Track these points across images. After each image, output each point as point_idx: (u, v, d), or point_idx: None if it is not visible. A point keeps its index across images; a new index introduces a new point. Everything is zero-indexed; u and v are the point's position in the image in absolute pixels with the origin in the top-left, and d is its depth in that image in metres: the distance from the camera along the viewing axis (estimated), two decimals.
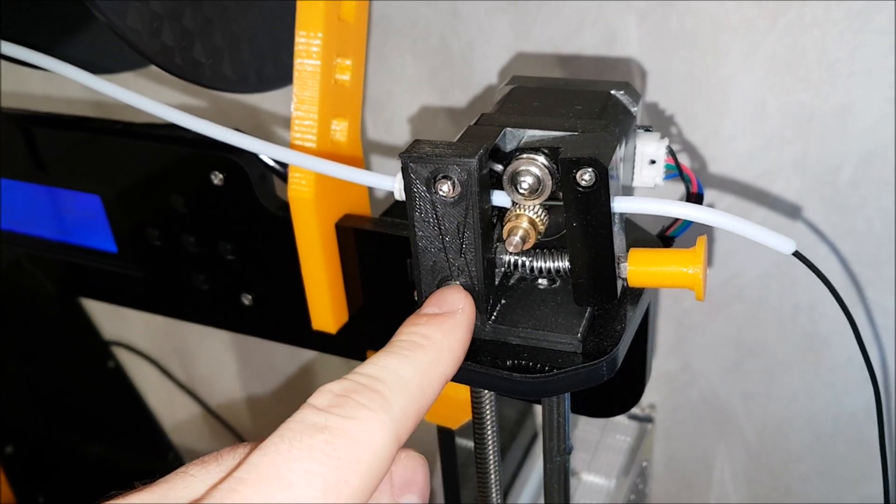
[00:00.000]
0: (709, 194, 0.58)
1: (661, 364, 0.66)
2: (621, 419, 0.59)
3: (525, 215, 0.31)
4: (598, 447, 0.57)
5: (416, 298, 0.32)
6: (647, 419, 0.62)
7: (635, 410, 0.64)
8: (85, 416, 0.77)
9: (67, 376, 0.73)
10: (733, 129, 0.55)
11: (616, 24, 0.54)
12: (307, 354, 0.84)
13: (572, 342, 0.31)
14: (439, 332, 0.28)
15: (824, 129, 0.53)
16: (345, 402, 0.23)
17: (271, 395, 0.92)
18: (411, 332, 0.27)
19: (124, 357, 0.87)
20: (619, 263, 0.31)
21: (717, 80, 0.54)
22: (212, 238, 0.44)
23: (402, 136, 0.66)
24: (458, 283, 0.31)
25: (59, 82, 0.47)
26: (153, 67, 0.38)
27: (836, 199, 0.55)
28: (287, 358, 0.87)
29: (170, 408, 0.95)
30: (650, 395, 0.67)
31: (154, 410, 0.89)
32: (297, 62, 0.37)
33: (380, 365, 0.25)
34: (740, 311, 0.61)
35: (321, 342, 0.45)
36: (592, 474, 0.55)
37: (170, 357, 0.93)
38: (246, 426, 0.95)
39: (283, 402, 0.91)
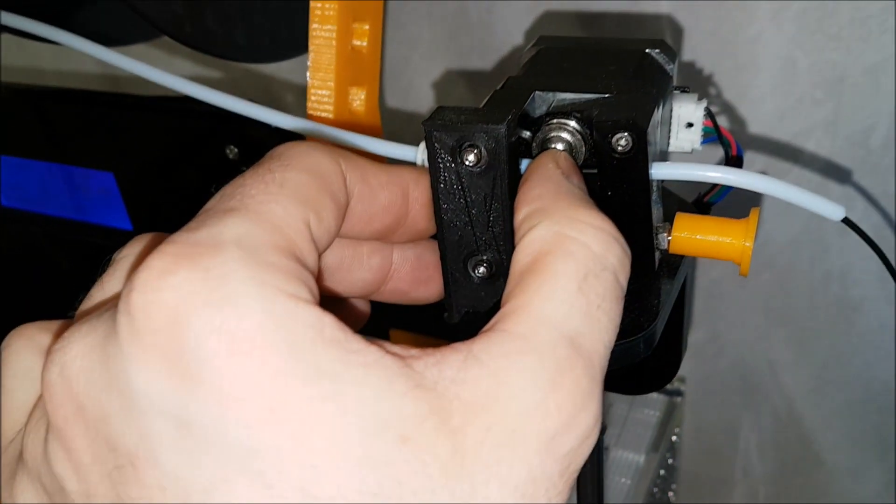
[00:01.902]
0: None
1: (690, 335, 0.65)
2: (650, 393, 0.58)
3: None
4: (627, 422, 0.56)
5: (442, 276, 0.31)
6: (676, 393, 0.60)
7: None
8: None
9: None
10: (762, 90, 0.53)
11: None
12: None
13: None
14: None
15: (856, 89, 0.51)
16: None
17: None
18: None
19: None
20: (657, 234, 0.29)
21: (745, 38, 0.52)
22: None
23: (420, 103, 0.65)
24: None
25: (70, 56, 0.46)
26: (164, 39, 0.36)
27: (868, 161, 0.53)
28: None
29: None
30: (680, 368, 0.66)
31: None
32: (313, 27, 0.36)
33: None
34: (770, 280, 0.60)
35: None
36: (621, 449, 0.54)
37: None
38: None
39: None
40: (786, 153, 0.54)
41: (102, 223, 0.48)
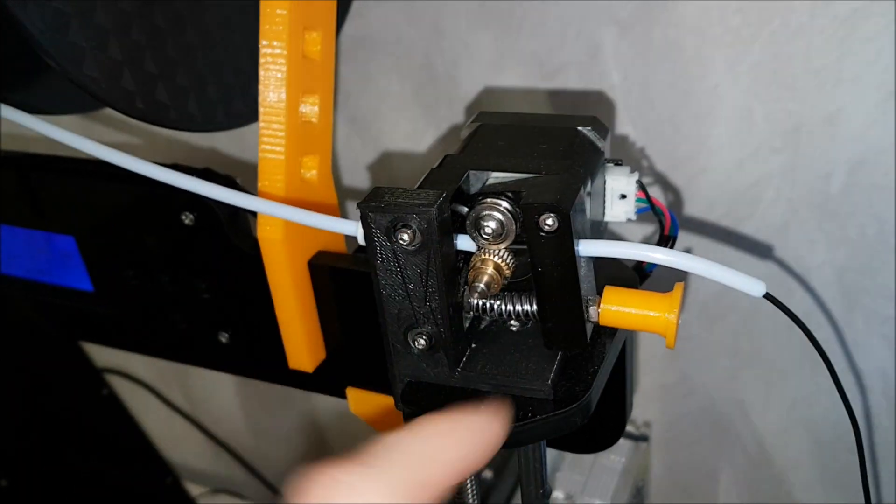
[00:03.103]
0: (698, 206, 0.57)
1: (659, 376, 0.65)
2: None
3: (490, 260, 0.30)
4: (593, 469, 0.56)
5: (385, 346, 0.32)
6: (642, 438, 0.61)
7: (630, 429, 0.63)
8: (81, 446, 0.76)
9: (61, 407, 0.73)
10: (721, 139, 0.54)
11: (599, 37, 0.54)
12: None
13: (543, 389, 0.30)
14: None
15: (813, 137, 0.52)
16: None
17: (270, 411, 0.92)
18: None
19: (122, 383, 0.87)
20: (587, 307, 0.30)
21: (702, 89, 0.53)
22: (186, 277, 0.43)
23: (389, 152, 0.65)
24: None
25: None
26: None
27: (827, 207, 0.54)
28: None
29: (169, 430, 0.95)
30: (648, 410, 0.67)
31: (152, 433, 0.89)
32: (262, 101, 0.37)
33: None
34: (736, 321, 0.61)
35: (299, 380, 0.44)
36: (587, 497, 0.54)
37: (168, 378, 0.93)
38: (246, 446, 0.95)
39: (282, 418, 0.91)
40: (745, 200, 0.55)
41: (65, 285, 0.48)
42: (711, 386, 0.64)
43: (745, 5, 0.49)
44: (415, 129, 0.63)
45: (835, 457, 0.63)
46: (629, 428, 0.63)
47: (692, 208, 0.57)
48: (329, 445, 0.90)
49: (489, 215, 0.30)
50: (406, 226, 0.28)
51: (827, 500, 0.65)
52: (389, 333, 0.31)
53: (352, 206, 0.66)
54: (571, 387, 0.31)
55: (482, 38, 0.57)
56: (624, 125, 0.56)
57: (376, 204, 0.28)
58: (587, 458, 0.57)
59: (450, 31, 0.58)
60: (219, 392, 0.93)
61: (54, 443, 0.74)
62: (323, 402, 0.86)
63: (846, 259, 0.55)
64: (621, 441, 0.59)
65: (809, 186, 0.53)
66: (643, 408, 0.66)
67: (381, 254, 0.29)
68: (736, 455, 0.67)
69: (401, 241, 0.28)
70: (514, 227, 0.30)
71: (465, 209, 0.31)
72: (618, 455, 0.57)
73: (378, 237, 0.29)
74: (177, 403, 0.92)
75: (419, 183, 0.31)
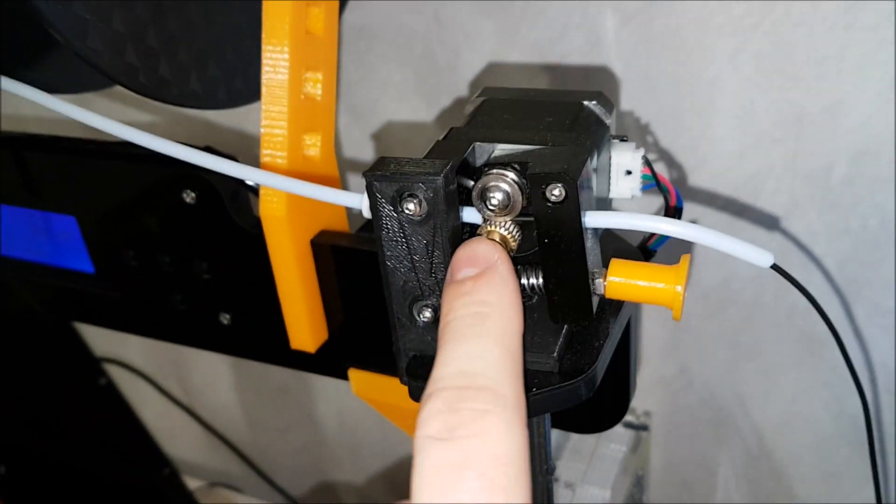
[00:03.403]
0: (699, 195, 0.57)
1: (658, 369, 0.65)
2: (616, 428, 0.58)
3: (497, 232, 0.30)
4: (594, 457, 0.56)
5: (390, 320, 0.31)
6: (642, 427, 0.61)
7: (630, 418, 0.63)
8: (78, 435, 0.76)
9: (59, 395, 0.73)
10: (722, 130, 0.54)
11: (600, 27, 0.54)
12: None
13: (548, 361, 0.30)
14: (494, 293, 0.25)
15: (815, 128, 0.52)
16: (462, 419, 0.21)
17: (268, 404, 0.92)
18: (467, 304, 0.24)
19: (119, 372, 0.87)
20: (593, 279, 0.30)
21: (704, 80, 0.53)
22: (187, 257, 0.43)
23: (390, 143, 0.65)
24: (488, 239, 0.29)
25: (9, 100, 0.46)
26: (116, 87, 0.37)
27: (829, 198, 0.54)
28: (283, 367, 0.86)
29: (167, 421, 0.94)
30: (647, 402, 0.66)
31: (150, 425, 0.88)
32: (265, 78, 0.36)
33: (461, 355, 0.23)
34: (736, 314, 0.60)
35: (301, 361, 0.44)
36: (588, 485, 0.54)
37: (166, 369, 0.93)
38: (243, 437, 0.95)
39: (280, 411, 0.91)
40: (746, 191, 0.55)
41: (66, 266, 0.48)
42: (711, 378, 0.64)
43: None
44: (415, 118, 0.63)
45: (835, 451, 0.63)
46: (630, 417, 0.63)
47: (692, 199, 0.57)
48: (327, 440, 0.90)
49: (496, 186, 0.29)
50: (412, 195, 0.28)
51: (826, 493, 0.65)
52: (395, 306, 0.31)
53: (353, 186, 0.66)
54: (577, 360, 0.31)
55: (483, 28, 0.57)
56: (625, 115, 0.56)
57: (382, 172, 0.28)
58: (587, 447, 0.57)
59: (450, 21, 0.58)
60: (216, 383, 0.92)
61: (51, 431, 0.74)
62: (322, 396, 0.86)
63: (848, 251, 0.55)
64: (622, 430, 0.59)
65: (811, 177, 0.53)
66: (642, 399, 0.66)
67: (386, 224, 0.29)
68: (735, 448, 0.66)
69: (406, 211, 0.28)
70: (520, 198, 0.29)
71: (471, 182, 0.31)
72: (618, 444, 0.57)
73: (383, 207, 0.29)
74: (174, 394, 0.92)
75: (425, 154, 0.31)
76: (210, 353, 0.87)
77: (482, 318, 0.23)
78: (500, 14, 0.56)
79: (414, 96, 0.62)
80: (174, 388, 0.93)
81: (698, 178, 0.56)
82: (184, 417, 0.93)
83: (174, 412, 0.93)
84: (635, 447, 0.59)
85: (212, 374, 0.92)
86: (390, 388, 0.43)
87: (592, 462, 0.55)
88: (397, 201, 0.28)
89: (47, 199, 0.46)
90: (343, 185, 0.62)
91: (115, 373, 0.86)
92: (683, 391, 0.65)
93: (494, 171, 0.30)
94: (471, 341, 0.23)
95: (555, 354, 0.30)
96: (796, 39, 0.49)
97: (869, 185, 0.52)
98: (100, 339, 0.84)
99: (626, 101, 0.55)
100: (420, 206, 0.28)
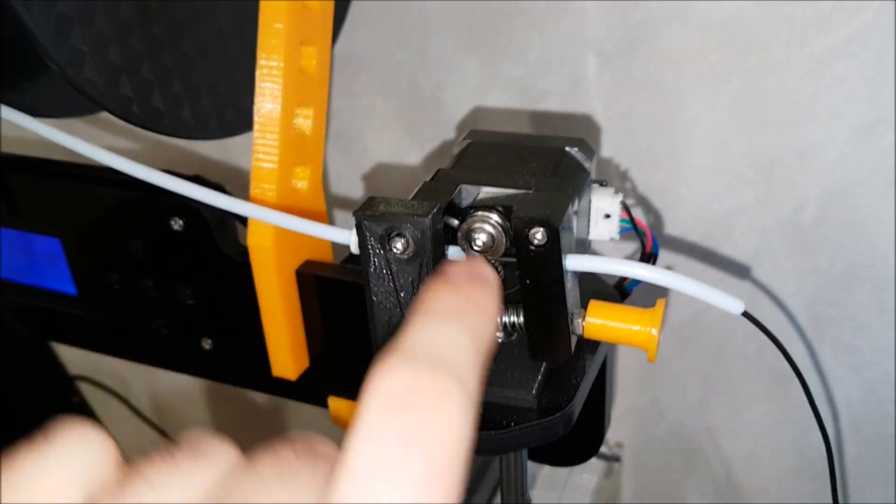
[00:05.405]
0: (673, 234, 0.58)
1: (630, 400, 0.66)
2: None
3: None
4: (566, 487, 0.57)
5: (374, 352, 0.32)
6: (614, 458, 0.62)
7: (603, 449, 0.64)
8: None
9: (32, 412, 0.72)
10: (696, 170, 0.55)
11: (582, 68, 0.55)
12: None
13: (527, 398, 0.31)
14: (483, 296, 0.23)
15: (786, 171, 0.53)
16: (425, 389, 0.18)
17: (241, 424, 0.91)
18: (454, 293, 0.22)
19: (91, 391, 0.86)
20: (572, 320, 0.31)
21: (680, 122, 0.54)
22: (171, 283, 0.44)
23: (372, 171, 0.66)
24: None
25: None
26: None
27: (798, 239, 0.55)
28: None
29: (137, 441, 0.94)
30: (618, 433, 0.68)
31: (121, 443, 0.88)
32: (258, 112, 0.37)
33: (439, 333, 0.20)
34: (707, 348, 0.62)
35: (281, 388, 0.44)
36: None
37: (138, 387, 0.93)
38: None
39: (253, 431, 0.91)
40: (719, 229, 0.57)
41: (48, 287, 0.48)
42: (682, 410, 0.65)
43: (723, 42, 0.51)
44: (398, 148, 0.64)
45: (800, 485, 0.64)
46: (602, 448, 0.64)
47: (667, 235, 0.58)
48: None
49: (480, 228, 0.30)
50: (400, 234, 0.29)
51: None
52: (379, 340, 0.32)
53: (337, 219, 0.67)
54: (555, 397, 0.32)
55: (468, 63, 0.59)
56: (604, 153, 0.57)
57: (372, 212, 0.29)
58: (560, 477, 0.57)
59: (436, 55, 0.59)
60: (188, 405, 0.92)
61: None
62: (294, 422, 0.86)
63: (816, 290, 0.56)
64: (594, 461, 0.60)
65: (781, 218, 0.55)
66: (615, 429, 0.67)
67: (374, 261, 0.30)
68: (704, 479, 0.68)
69: (394, 250, 0.29)
70: (504, 240, 0.31)
71: (457, 222, 0.32)
72: (590, 474, 0.58)
73: (372, 245, 0.30)
74: (146, 413, 0.92)
75: (413, 195, 0.32)
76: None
77: (465, 311, 0.22)
78: (484, 50, 0.57)
79: (398, 125, 0.64)
80: (146, 407, 0.93)
81: (673, 216, 0.58)
82: (154, 436, 0.92)
83: (145, 430, 0.92)
84: (607, 477, 0.60)
85: (183, 393, 0.91)
86: None
87: (565, 492, 0.56)
88: (386, 240, 0.29)
89: (32, 221, 0.47)
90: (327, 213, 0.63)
91: (88, 391, 0.86)
92: (654, 423, 0.67)
93: (479, 213, 0.31)
94: (450, 325, 0.21)
95: (534, 391, 0.31)
96: (770, 86, 0.51)
97: (837, 227, 0.54)
98: (73, 357, 0.83)
99: (605, 140, 0.57)
100: (408, 245, 0.29)
